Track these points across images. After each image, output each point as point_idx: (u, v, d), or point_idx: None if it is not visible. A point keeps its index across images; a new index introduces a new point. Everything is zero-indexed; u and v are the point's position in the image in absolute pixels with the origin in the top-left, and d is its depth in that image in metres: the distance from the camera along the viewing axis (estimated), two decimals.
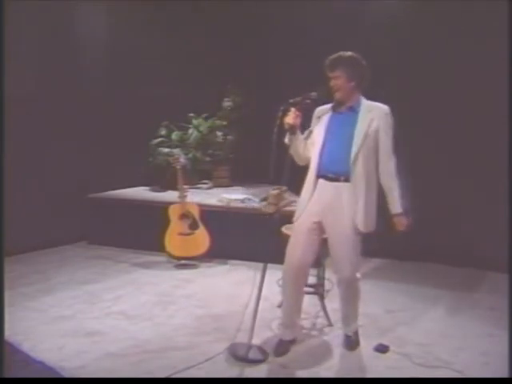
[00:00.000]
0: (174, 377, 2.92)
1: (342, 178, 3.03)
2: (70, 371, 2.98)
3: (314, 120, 3.23)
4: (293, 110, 3.06)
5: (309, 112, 3.17)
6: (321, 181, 3.10)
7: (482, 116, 4.65)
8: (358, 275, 3.17)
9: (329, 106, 3.19)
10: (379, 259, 5.04)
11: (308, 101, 3.11)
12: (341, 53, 3.09)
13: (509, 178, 3.85)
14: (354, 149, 3.01)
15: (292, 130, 3.08)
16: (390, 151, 3.09)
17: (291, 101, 3.09)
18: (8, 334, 3.08)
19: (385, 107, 3.09)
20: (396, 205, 3.07)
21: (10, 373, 2.78)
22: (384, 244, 4.76)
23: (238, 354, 3.09)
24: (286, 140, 3.13)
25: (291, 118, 3.05)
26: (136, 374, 2.96)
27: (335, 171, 3.05)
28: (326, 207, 3.07)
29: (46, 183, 5.43)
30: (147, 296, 4.24)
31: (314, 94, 3.13)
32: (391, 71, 4.88)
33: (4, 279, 3.11)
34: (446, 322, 3.73)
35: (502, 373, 2.82)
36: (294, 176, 3.18)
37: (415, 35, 4.91)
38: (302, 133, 3.19)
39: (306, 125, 3.21)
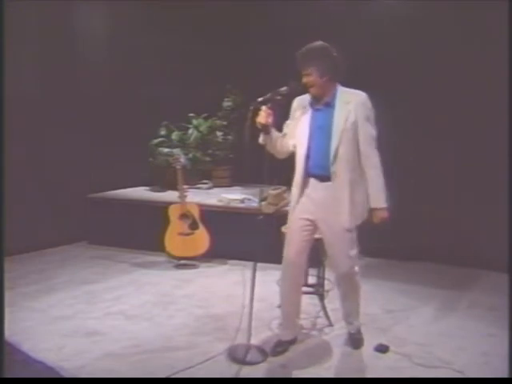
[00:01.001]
0: (174, 377, 2.92)
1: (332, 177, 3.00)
2: (70, 371, 2.98)
3: (292, 112, 3.13)
4: (264, 108, 2.94)
5: (281, 108, 3.07)
6: (311, 180, 3.06)
7: (482, 116, 4.65)
8: (357, 268, 3.17)
9: (308, 97, 3.08)
10: (379, 259, 5.03)
11: (278, 97, 3.01)
12: (310, 47, 2.98)
13: (509, 178, 3.85)
14: (333, 147, 2.95)
15: (265, 129, 2.97)
16: (372, 140, 2.99)
17: (260, 99, 2.97)
18: (8, 334, 3.07)
19: (362, 95, 3.01)
20: (377, 198, 2.98)
21: (10, 373, 2.78)
22: (384, 244, 4.78)
23: (236, 357, 3.09)
24: (261, 140, 3.04)
25: (263, 117, 2.94)
26: (136, 374, 2.96)
27: (322, 171, 3.01)
28: (318, 206, 3.05)
29: (46, 183, 5.43)
30: (147, 296, 4.24)
31: (284, 89, 3.03)
32: (391, 71, 4.89)
33: (4, 279, 3.11)
34: (446, 322, 3.73)
35: (501, 373, 2.82)
36: (292, 176, 3.18)
37: (415, 35, 4.91)
38: (278, 129, 3.10)
39: (279, 121, 3.12)
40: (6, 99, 3.58)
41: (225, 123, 6.41)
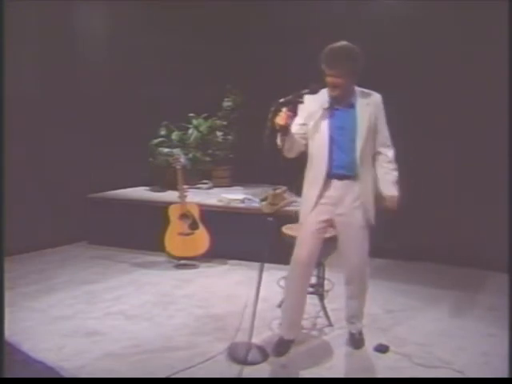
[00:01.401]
0: (174, 377, 2.92)
1: (352, 176, 3.04)
2: (70, 371, 2.98)
3: (309, 112, 3.07)
4: (284, 110, 2.91)
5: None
6: (333, 181, 3.07)
7: (482, 116, 4.65)
8: (368, 269, 3.20)
9: (320, 97, 3.05)
10: (379, 259, 5.02)
11: (300, 99, 2.98)
12: (340, 47, 2.95)
13: (509, 178, 3.85)
14: (358, 147, 3.01)
15: (284, 131, 2.94)
16: (387, 140, 3.14)
17: (282, 100, 2.92)
18: (8, 334, 3.07)
19: (378, 96, 3.09)
20: (392, 187, 3.13)
21: (10, 373, 2.78)
22: (384, 244, 4.78)
23: (237, 357, 3.08)
24: (278, 141, 3.01)
25: (283, 118, 2.89)
26: (136, 374, 2.96)
27: (345, 171, 3.04)
28: (338, 204, 3.07)
29: (46, 183, 5.43)
30: (147, 296, 4.24)
31: (306, 91, 3.00)
32: (391, 71, 4.88)
33: (4, 279, 3.11)
34: (446, 322, 3.73)
35: (501, 373, 2.82)
36: (292, 175, 3.17)
37: (415, 35, 4.91)
38: None
39: None
40: (6, 99, 3.58)
41: (225, 123, 6.41)
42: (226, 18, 6.22)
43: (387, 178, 3.14)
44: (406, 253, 5.03)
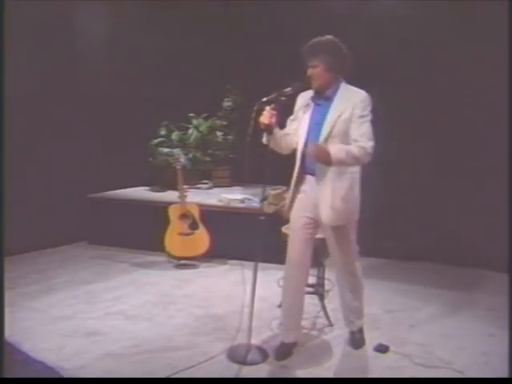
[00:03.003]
0: (174, 377, 2.92)
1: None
2: (69, 371, 2.98)
3: (296, 109, 3.13)
4: (267, 108, 2.94)
5: (285, 108, 3.08)
6: (308, 177, 3.07)
7: (482, 116, 4.65)
8: (358, 265, 3.17)
9: (308, 94, 3.08)
10: (379, 259, 5.03)
11: (283, 98, 3.00)
12: (321, 39, 2.95)
13: (509, 178, 3.85)
14: (320, 141, 2.90)
15: (268, 129, 2.97)
16: (363, 135, 2.85)
17: (265, 99, 2.96)
18: (8, 334, 3.08)
19: (362, 94, 2.94)
20: (334, 148, 2.82)
21: (10, 373, 2.78)
22: (384, 244, 4.78)
23: (237, 358, 3.09)
24: (264, 140, 3.04)
25: (266, 117, 2.93)
26: (136, 374, 2.96)
27: (316, 167, 2.99)
28: (317, 202, 3.04)
29: (46, 183, 5.43)
30: (147, 296, 4.24)
31: (288, 89, 3.02)
32: (391, 71, 4.89)
33: (4, 279, 3.11)
34: (446, 322, 3.73)
35: (501, 373, 2.82)
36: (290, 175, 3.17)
37: (415, 35, 4.91)
38: (281, 129, 3.10)
39: (283, 122, 3.14)
40: (6, 99, 3.58)
41: (225, 123, 6.41)
42: (226, 18, 6.22)
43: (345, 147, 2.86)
44: (406, 252, 5.03)
